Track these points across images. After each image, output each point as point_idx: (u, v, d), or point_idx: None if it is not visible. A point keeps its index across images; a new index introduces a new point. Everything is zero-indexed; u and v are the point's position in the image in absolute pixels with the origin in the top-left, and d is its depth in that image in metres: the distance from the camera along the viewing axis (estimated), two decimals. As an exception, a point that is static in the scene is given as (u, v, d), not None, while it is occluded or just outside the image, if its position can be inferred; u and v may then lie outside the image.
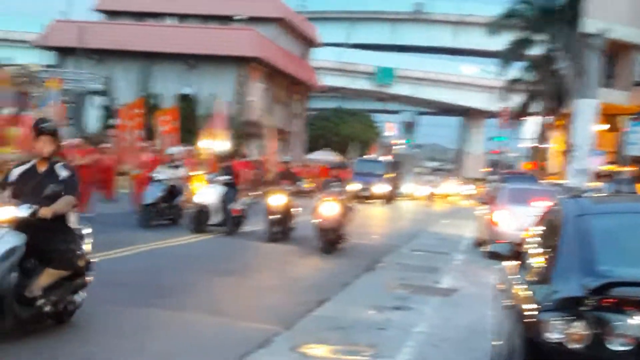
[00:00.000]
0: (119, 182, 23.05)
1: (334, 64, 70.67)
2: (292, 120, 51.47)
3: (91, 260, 7.45)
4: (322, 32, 59.14)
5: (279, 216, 15.57)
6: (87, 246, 7.30)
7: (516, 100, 41.93)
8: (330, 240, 14.39)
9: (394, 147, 62.69)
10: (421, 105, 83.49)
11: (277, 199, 15.58)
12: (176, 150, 16.07)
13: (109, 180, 23.95)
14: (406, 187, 50.27)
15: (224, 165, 17.01)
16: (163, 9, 46.76)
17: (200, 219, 16.19)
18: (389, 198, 39.69)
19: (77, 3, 45.62)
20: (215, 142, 27.51)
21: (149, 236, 14.68)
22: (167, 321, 8.04)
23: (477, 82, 72.54)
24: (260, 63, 43.29)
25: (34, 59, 39.87)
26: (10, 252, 6.23)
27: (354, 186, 32.06)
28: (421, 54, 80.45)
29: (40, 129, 6.78)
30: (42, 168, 6.82)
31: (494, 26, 36.18)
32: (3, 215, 6.41)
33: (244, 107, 41.82)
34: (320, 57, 62.43)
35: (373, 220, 26.67)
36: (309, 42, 55.15)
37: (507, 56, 36.80)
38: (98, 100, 37.18)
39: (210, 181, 16.88)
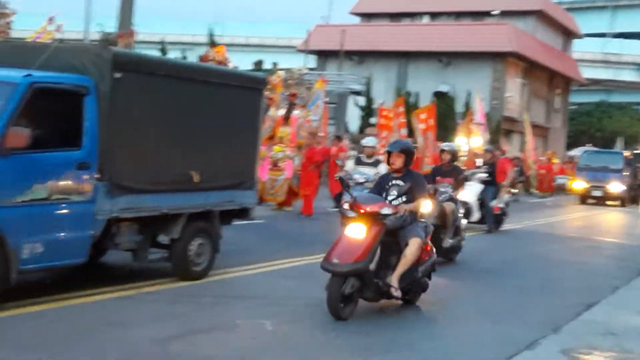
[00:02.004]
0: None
1: (596, 55, 66.95)
2: (551, 116, 49.66)
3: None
4: (583, 23, 56.37)
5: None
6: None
7: None
8: None
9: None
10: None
11: None
12: (372, 142, 13.88)
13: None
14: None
15: (485, 162, 16.83)
16: (417, 8, 47.32)
17: (459, 217, 16.22)
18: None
19: (337, 7, 47.50)
20: (472, 139, 27.35)
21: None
22: (433, 319, 8.20)
23: None
24: (517, 57, 42.27)
25: (297, 63, 42.23)
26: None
27: (578, 184, 29.82)
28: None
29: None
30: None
31: None
32: None
33: (500, 103, 41.10)
34: (581, 48, 59.56)
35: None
36: (568, 34, 52.87)
37: None
38: (358, 100, 38.47)
39: (469, 178, 16.82)
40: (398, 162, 8.15)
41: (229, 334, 6.78)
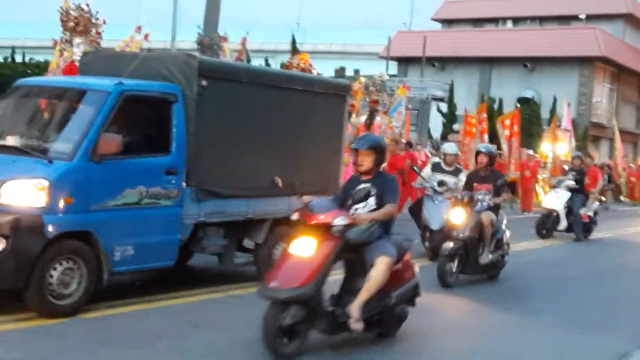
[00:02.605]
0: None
1: (689, 58, 64.47)
2: (642, 122, 48.06)
3: None
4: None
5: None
6: None
7: None
8: None
9: None
10: None
11: None
12: (453, 149, 12.43)
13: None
14: None
15: (573, 168, 16.37)
16: (499, 13, 46.59)
17: (546, 224, 15.87)
18: None
19: (418, 13, 47.22)
20: (557, 146, 26.74)
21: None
22: (523, 326, 8.02)
23: None
24: (605, 62, 41.12)
25: (379, 70, 42.15)
26: None
27: None
28: None
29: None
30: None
31: None
32: None
33: (588, 109, 40.04)
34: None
35: None
36: (660, 37, 51.11)
37: None
38: (440, 106, 38.14)
39: (556, 185, 16.44)
40: (367, 161, 6.63)
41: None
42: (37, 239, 6.55)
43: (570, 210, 15.83)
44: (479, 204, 10.05)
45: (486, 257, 10.05)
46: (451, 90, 37.28)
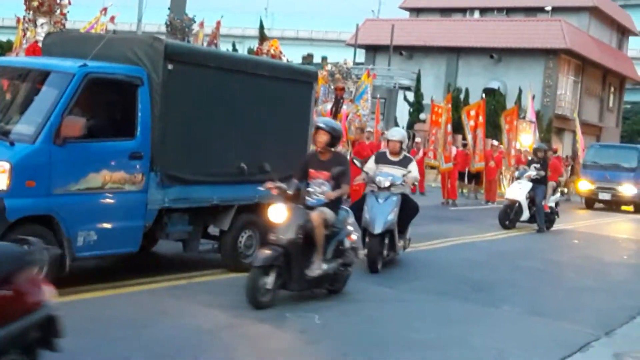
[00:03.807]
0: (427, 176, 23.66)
1: (651, 53, 65.42)
2: (605, 115, 48.70)
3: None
4: (639, 20, 55.06)
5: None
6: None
7: None
8: None
9: None
10: None
11: None
12: (399, 134, 10.52)
13: (420, 175, 24.70)
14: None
15: (536, 160, 16.53)
16: (467, 3, 46.80)
17: (509, 215, 16.03)
18: None
19: (386, 2, 47.26)
20: (522, 137, 27.00)
21: (461, 230, 14.90)
22: (485, 316, 8.09)
23: None
24: (570, 55, 41.55)
25: (346, 57, 42.14)
26: None
27: (583, 185, 24.40)
28: None
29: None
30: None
31: None
32: None
33: (552, 101, 40.46)
34: (637, 46, 58.21)
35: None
36: (623, 31, 51.75)
37: None
38: (407, 95, 38.23)
39: (519, 177, 16.60)
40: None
41: (278, 326, 6.77)
42: (-3, 222, 6.43)
43: (532, 201, 16.00)
44: (312, 197, 7.72)
45: (317, 268, 7.63)
46: (418, 80, 37.40)
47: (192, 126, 8.26)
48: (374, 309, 7.80)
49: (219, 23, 18.60)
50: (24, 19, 13.16)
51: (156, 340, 5.99)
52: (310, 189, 7.73)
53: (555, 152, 27.54)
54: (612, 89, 49.80)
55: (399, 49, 41.51)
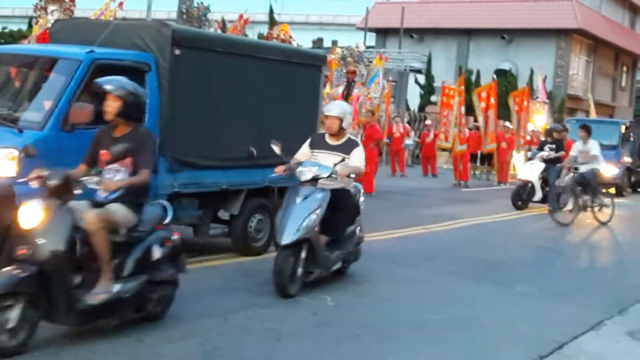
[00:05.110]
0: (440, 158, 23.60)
1: (664, 31, 64.81)
2: (617, 94, 48.32)
3: None
4: (652, -2, 54.51)
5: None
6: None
7: None
8: None
9: None
10: None
11: None
12: (340, 108, 7.88)
13: (432, 157, 24.66)
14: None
15: (550, 141, 16.39)
16: (478, -16, 46.44)
17: (521, 196, 15.97)
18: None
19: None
20: (534, 118, 26.83)
21: (474, 211, 14.86)
22: (498, 295, 8.07)
23: None
24: (582, 34, 41.19)
25: (357, 41, 41.98)
26: None
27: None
28: None
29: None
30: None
31: None
32: None
33: (564, 81, 40.17)
34: (649, 24, 57.68)
35: None
36: (636, 10, 51.22)
37: None
38: (418, 78, 38.07)
39: (532, 157, 16.51)
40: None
41: (290, 309, 6.77)
42: (8, 209, 6.43)
43: (545, 181, 15.92)
44: (99, 190, 5.70)
45: (102, 292, 5.45)
46: (429, 62, 37.22)
47: (200, 111, 8.25)
48: (388, 290, 7.78)
49: (241, 17, 18.50)
50: (36, 6, 13.22)
51: (167, 325, 6.00)
52: (102, 178, 5.67)
53: (566, 132, 27.32)
54: (625, 68, 49.37)
55: (409, 32, 41.28)
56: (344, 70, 19.55)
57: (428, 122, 26.19)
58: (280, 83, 9.24)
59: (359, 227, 8.27)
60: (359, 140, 8.75)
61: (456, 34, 41.99)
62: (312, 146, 7.85)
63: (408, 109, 34.17)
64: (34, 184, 5.42)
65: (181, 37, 8.04)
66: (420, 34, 42.54)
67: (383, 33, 44.20)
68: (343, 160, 7.53)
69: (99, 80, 5.97)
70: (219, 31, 18.16)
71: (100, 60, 7.35)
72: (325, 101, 16.39)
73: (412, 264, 9.21)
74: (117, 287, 5.56)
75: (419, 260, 9.50)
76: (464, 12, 42.10)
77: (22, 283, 5.06)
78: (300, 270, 7.23)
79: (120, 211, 5.63)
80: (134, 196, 5.72)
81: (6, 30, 31.73)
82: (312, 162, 7.59)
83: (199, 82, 8.22)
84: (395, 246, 9.83)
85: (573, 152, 14.61)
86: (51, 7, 13.25)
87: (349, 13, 51.14)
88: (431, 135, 24.21)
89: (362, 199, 8.29)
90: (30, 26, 14.39)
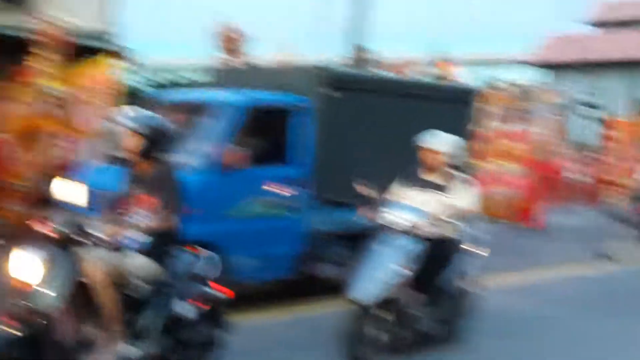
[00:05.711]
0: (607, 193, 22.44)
1: None
2: None
3: None
4: None
5: None
6: None
7: None
8: None
9: None
10: None
11: None
12: (433, 143, 6.72)
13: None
14: None
15: None
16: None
17: None
18: None
19: (560, 16, 45.44)
20: None
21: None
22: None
23: None
24: None
25: (527, 76, 41.10)
26: None
27: None
28: None
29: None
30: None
31: None
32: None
33: None
34: None
35: None
36: None
37: None
38: (589, 111, 36.63)
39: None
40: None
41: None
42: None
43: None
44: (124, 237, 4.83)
45: (106, 354, 4.65)
46: (598, 95, 35.80)
47: (353, 151, 8.34)
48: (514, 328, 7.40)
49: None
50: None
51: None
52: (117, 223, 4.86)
53: None
54: None
55: (581, 66, 39.90)
56: (513, 107, 19.20)
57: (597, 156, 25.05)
58: (432, 119, 9.08)
59: (465, 275, 6.68)
60: (468, 177, 7.10)
61: (628, 67, 40.08)
62: (405, 183, 6.64)
63: (581, 144, 32.87)
64: (40, 229, 4.62)
65: (337, 79, 8.21)
66: (592, 67, 40.97)
67: (552, 67, 42.96)
68: (441, 199, 6.28)
69: (121, 117, 5.19)
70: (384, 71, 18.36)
71: (257, 104, 7.65)
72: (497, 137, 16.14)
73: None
74: (126, 349, 4.67)
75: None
76: (635, 43, 40.25)
77: (14, 347, 4.30)
78: (385, 335, 5.94)
79: (138, 262, 4.84)
80: (157, 244, 4.91)
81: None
82: (407, 205, 6.32)
83: (354, 123, 8.34)
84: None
85: None
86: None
87: (519, 49, 50.18)
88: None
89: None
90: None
